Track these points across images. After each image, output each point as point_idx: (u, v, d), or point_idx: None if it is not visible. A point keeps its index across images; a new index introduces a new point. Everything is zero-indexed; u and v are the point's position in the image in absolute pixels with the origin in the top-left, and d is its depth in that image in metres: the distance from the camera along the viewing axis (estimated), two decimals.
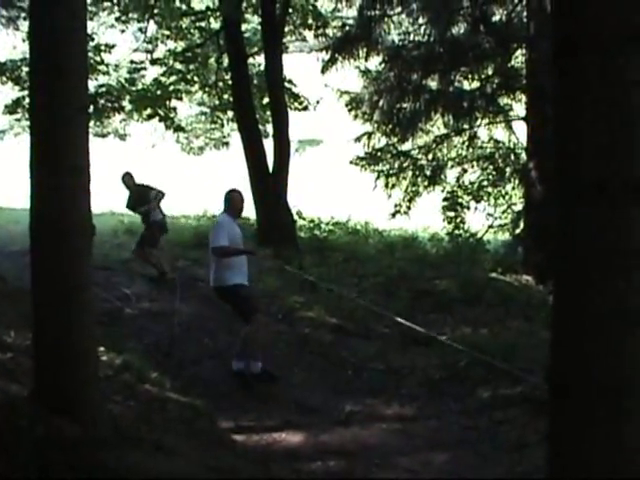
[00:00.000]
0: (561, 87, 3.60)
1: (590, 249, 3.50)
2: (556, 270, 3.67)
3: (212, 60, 22.74)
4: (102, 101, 21.76)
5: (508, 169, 18.51)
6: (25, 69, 19.14)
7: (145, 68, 22.69)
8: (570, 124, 3.54)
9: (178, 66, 22.49)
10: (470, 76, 17.61)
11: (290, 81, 22.04)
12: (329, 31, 22.03)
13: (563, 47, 3.56)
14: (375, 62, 18.49)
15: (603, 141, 3.42)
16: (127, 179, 14.80)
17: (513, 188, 18.87)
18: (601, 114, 3.42)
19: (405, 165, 18.71)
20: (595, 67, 3.41)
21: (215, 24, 21.94)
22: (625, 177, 3.41)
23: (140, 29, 22.56)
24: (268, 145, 19.27)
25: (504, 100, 18.14)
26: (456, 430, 8.82)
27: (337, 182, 31.76)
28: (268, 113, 21.28)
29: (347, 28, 19.12)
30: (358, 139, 19.16)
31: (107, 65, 22.09)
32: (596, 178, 3.43)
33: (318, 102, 23.89)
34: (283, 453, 7.94)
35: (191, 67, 22.66)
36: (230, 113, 23.65)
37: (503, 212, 19.23)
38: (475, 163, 18.92)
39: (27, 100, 17.04)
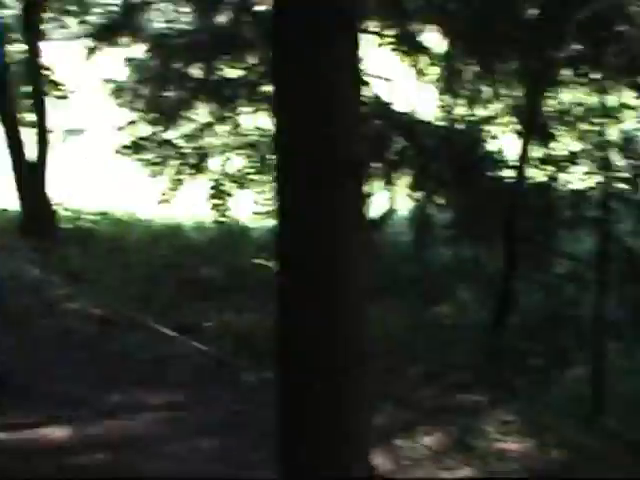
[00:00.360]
0: (281, 71, 3.71)
1: (305, 228, 3.62)
2: (279, 251, 3.77)
3: None
4: None
5: (273, 157, 18.67)
6: None
7: None
8: (289, 107, 3.66)
9: None
10: (234, 65, 17.70)
11: (49, 68, 21.47)
12: (92, 18, 21.60)
13: (281, 32, 3.67)
14: (142, 50, 18.30)
15: (318, 124, 3.55)
16: None
17: None
18: (314, 98, 3.56)
19: (170, 154, 18.64)
20: (309, 53, 3.53)
21: None
22: (339, 157, 3.55)
23: None
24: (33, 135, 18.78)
25: (268, 88, 18.32)
26: (223, 415, 8.95)
27: (102, 171, 31.25)
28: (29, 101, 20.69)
29: (110, 15, 18.85)
30: (122, 128, 18.93)
31: None
32: (312, 159, 3.55)
33: (75, 91, 23.35)
34: (48, 448, 7.82)
35: None
36: None
37: (268, 199, 19.47)
38: (240, 151, 19.05)
39: None
